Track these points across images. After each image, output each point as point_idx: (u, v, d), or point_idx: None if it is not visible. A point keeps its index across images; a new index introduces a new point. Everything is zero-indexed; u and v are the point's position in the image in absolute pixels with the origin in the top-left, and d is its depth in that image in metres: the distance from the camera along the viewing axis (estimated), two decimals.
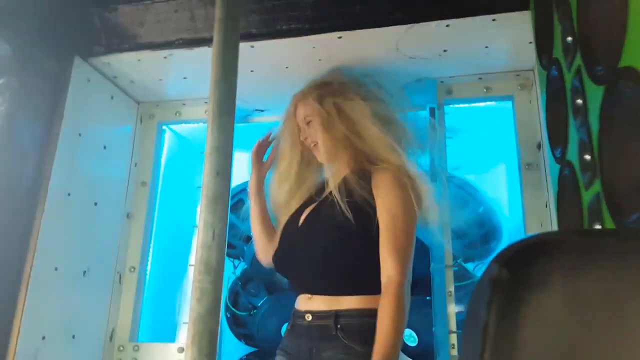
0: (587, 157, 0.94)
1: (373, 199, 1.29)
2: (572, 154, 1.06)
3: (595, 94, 0.89)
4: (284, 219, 1.47)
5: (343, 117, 1.42)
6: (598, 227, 0.87)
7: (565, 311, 0.36)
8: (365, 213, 1.27)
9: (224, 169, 0.73)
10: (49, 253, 1.48)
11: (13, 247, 1.41)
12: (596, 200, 0.88)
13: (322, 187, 1.44)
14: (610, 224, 0.82)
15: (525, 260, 0.38)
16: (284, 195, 1.49)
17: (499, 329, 0.35)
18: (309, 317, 1.28)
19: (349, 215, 1.25)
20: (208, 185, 0.73)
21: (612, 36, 0.78)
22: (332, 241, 1.28)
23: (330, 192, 1.34)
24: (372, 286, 1.24)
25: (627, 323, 0.37)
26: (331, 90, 1.49)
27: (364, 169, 1.38)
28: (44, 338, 1.46)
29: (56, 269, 1.52)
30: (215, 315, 0.62)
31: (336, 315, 1.23)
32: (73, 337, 1.59)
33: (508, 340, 0.35)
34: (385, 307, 1.17)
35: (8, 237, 1.40)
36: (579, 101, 0.97)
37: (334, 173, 1.39)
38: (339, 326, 1.22)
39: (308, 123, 1.47)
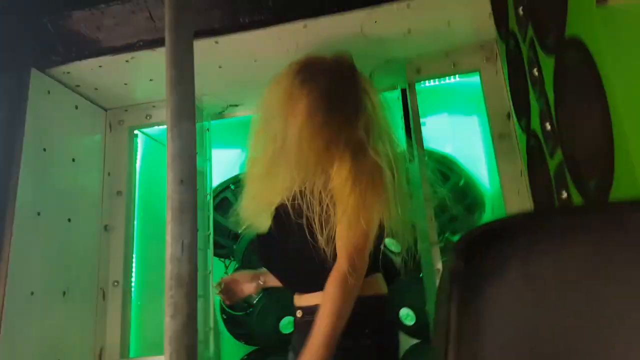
0: (549, 126, 0.95)
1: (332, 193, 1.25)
2: (535, 124, 1.06)
3: (547, 64, 0.90)
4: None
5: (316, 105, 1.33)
6: (564, 194, 0.87)
7: (523, 295, 0.36)
8: (330, 206, 1.23)
9: (188, 177, 0.70)
10: (23, 277, 1.42)
11: None
12: (560, 168, 0.89)
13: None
14: (574, 191, 0.83)
15: (479, 249, 0.37)
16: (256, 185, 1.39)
17: (460, 323, 0.34)
18: (299, 314, 1.28)
19: (311, 214, 1.21)
20: (172, 195, 0.69)
21: (557, 5, 0.78)
22: (300, 241, 1.24)
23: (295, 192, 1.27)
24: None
25: (584, 300, 0.36)
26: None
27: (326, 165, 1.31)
28: None
29: (32, 293, 1.46)
30: (191, 330, 0.60)
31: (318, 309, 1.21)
32: None
33: (470, 333, 0.34)
34: (324, 296, 1.15)
35: None
36: (535, 71, 0.98)
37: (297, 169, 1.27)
38: None
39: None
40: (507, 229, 0.38)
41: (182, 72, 0.77)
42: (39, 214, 1.52)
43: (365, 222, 1.17)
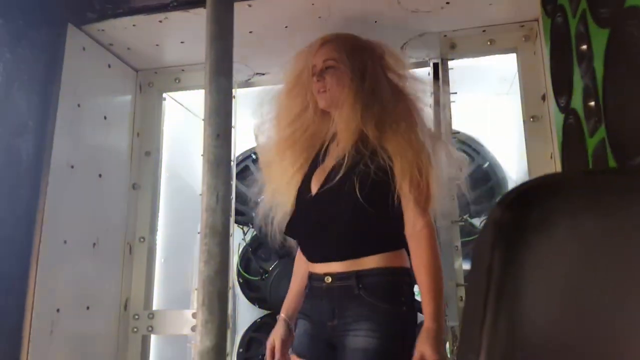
0: (592, 103, 0.93)
1: (385, 160, 1.28)
2: (576, 102, 1.04)
3: (600, 37, 0.87)
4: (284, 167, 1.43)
5: (368, 77, 1.35)
6: None
7: (570, 250, 0.36)
8: (381, 177, 1.26)
9: (224, 131, 0.71)
10: (57, 226, 1.48)
11: (20, 222, 1.41)
12: (601, 146, 0.88)
13: (323, 144, 1.41)
14: None
15: (528, 202, 0.37)
16: (285, 141, 1.42)
17: (503, 271, 0.35)
18: (328, 279, 1.29)
19: (366, 180, 1.25)
20: (209, 148, 0.71)
21: None
22: (351, 209, 1.27)
23: (343, 156, 1.30)
24: (389, 244, 1.29)
25: (632, 260, 0.36)
26: (362, 46, 1.40)
27: (374, 131, 1.35)
28: (58, 311, 1.48)
29: (65, 242, 1.53)
30: (224, 276, 0.62)
31: (357, 275, 1.25)
32: (87, 308, 1.62)
33: (513, 281, 0.35)
34: (423, 256, 1.25)
35: (14, 212, 1.40)
36: (584, 47, 0.95)
37: (346, 132, 1.33)
38: (360, 285, 1.24)
39: (327, 67, 1.37)
40: (558, 185, 0.38)
41: (222, 28, 0.77)
42: (72, 167, 1.57)
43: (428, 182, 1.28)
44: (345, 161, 1.28)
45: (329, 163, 1.36)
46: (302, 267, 1.44)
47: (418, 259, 1.25)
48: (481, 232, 0.38)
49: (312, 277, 1.35)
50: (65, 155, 1.54)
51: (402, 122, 1.32)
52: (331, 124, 1.40)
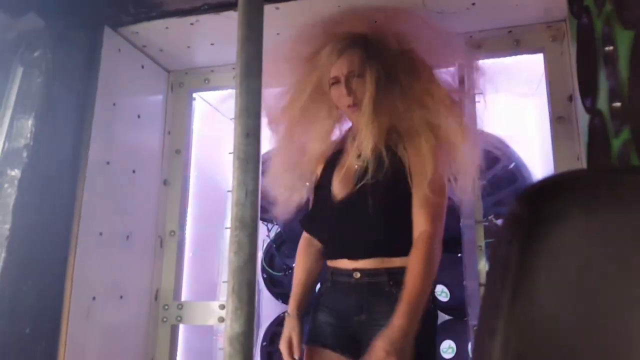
0: (617, 104, 0.93)
1: (404, 162, 1.30)
2: (602, 103, 1.04)
3: (624, 39, 0.87)
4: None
5: (394, 81, 1.35)
6: None
7: (586, 243, 0.37)
8: (403, 178, 1.29)
9: (253, 130, 0.75)
10: (93, 219, 1.56)
11: (60, 213, 1.50)
12: (625, 147, 0.88)
13: (343, 143, 1.44)
14: None
15: (546, 196, 0.38)
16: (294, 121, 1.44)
17: (520, 261, 0.37)
18: (357, 275, 1.31)
19: (392, 181, 1.27)
20: (239, 146, 0.75)
21: None
22: (383, 213, 1.29)
23: (368, 159, 1.32)
24: None
25: None
26: (392, 58, 1.38)
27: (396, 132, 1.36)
28: (94, 298, 1.56)
29: (101, 233, 1.61)
30: (252, 266, 0.66)
31: (388, 272, 1.28)
32: (121, 297, 1.70)
33: (529, 271, 0.37)
34: (414, 259, 1.24)
35: (54, 205, 1.48)
36: (609, 48, 0.95)
37: (369, 135, 1.32)
38: (391, 282, 1.26)
39: (352, 77, 1.35)
40: (576, 181, 0.39)
41: (252, 31, 0.81)
42: (108, 163, 1.65)
43: (443, 189, 1.29)
44: (372, 164, 1.30)
45: (351, 163, 1.37)
46: (311, 260, 1.45)
47: (411, 261, 1.25)
48: (500, 228, 0.40)
49: (335, 272, 1.37)
50: (101, 152, 1.61)
51: (425, 123, 1.32)
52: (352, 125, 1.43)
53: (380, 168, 1.29)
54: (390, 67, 1.37)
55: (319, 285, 1.47)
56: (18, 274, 1.33)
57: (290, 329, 1.37)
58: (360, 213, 1.31)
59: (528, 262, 0.37)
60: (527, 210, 0.39)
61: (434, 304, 1.38)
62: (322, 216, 1.41)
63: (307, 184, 1.49)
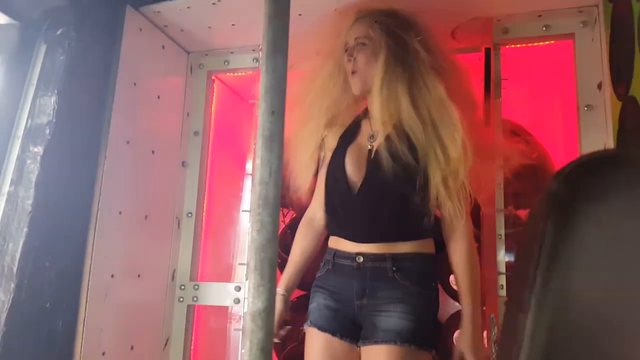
0: None
1: (416, 150, 1.28)
2: (636, 89, 1.01)
3: None
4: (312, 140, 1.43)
5: (408, 57, 1.31)
6: None
7: (623, 223, 0.36)
8: (413, 165, 1.27)
9: (278, 108, 0.74)
10: (113, 198, 1.58)
11: (80, 191, 1.51)
12: None
13: (355, 121, 1.41)
14: None
15: (585, 174, 0.37)
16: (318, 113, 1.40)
17: (556, 238, 0.36)
18: (360, 259, 1.30)
19: (406, 165, 1.25)
20: (264, 124, 0.74)
21: None
22: (390, 192, 1.28)
23: (381, 142, 1.30)
24: (423, 232, 1.31)
25: None
26: (401, 28, 1.33)
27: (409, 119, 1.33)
28: (112, 276, 1.58)
29: (120, 212, 1.62)
30: (274, 245, 0.65)
31: (392, 258, 1.27)
32: (138, 276, 1.72)
33: (565, 248, 0.36)
34: (465, 250, 1.30)
35: (75, 183, 1.49)
36: None
37: (380, 117, 1.31)
38: (395, 268, 1.26)
39: (357, 44, 1.34)
40: (615, 159, 0.38)
41: (279, 7, 0.79)
42: (128, 142, 1.66)
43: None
44: (384, 148, 1.28)
45: (363, 144, 1.35)
46: (309, 243, 1.45)
47: (458, 257, 1.29)
48: (536, 205, 0.39)
49: (337, 255, 1.35)
50: (122, 132, 1.62)
51: (441, 108, 1.28)
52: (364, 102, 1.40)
53: (393, 150, 1.26)
54: (404, 44, 1.32)
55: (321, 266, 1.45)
56: (40, 249, 1.35)
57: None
58: (370, 197, 1.30)
59: (563, 240, 0.36)
60: (565, 188, 0.38)
61: (438, 290, 1.38)
62: (334, 195, 1.39)
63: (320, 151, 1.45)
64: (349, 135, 1.40)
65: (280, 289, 1.40)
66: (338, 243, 1.37)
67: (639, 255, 0.35)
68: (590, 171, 0.37)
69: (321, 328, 1.32)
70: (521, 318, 0.35)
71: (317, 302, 1.36)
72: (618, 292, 0.36)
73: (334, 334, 1.31)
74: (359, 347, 1.27)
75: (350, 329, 1.31)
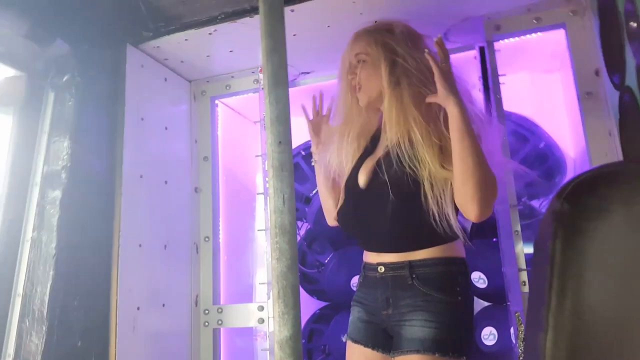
0: None
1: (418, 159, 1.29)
2: (630, 80, 1.01)
3: None
4: (345, 168, 1.46)
5: (400, 66, 1.33)
6: None
7: (629, 237, 0.37)
8: (414, 173, 1.27)
9: (285, 138, 0.77)
10: (132, 231, 1.62)
11: (100, 228, 1.55)
12: None
13: (376, 135, 1.44)
14: None
15: (585, 192, 0.39)
16: (347, 145, 1.45)
17: (564, 257, 0.37)
18: (381, 269, 1.31)
19: (415, 172, 1.25)
20: (272, 155, 0.76)
21: None
22: (401, 201, 1.27)
23: (390, 148, 1.31)
24: (442, 236, 1.26)
25: None
26: (396, 40, 1.37)
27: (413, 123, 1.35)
28: (138, 308, 1.62)
29: (140, 245, 1.66)
30: (294, 271, 0.68)
31: (410, 265, 1.27)
32: (163, 305, 1.75)
33: (574, 266, 0.37)
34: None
35: (94, 221, 1.54)
36: (633, 24, 0.92)
37: (389, 124, 1.32)
38: (414, 275, 1.26)
39: (359, 61, 1.39)
40: (614, 175, 0.39)
41: (276, 41, 0.82)
42: (141, 176, 1.70)
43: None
44: (393, 154, 1.29)
45: (378, 153, 1.38)
46: None
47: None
48: (541, 225, 0.40)
49: (365, 267, 1.38)
50: (134, 166, 1.66)
51: (440, 112, 1.28)
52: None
53: (401, 160, 1.28)
54: (402, 56, 1.34)
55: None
56: (67, 290, 1.39)
57: None
58: (377, 206, 1.30)
59: (573, 258, 0.37)
60: (568, 206, 0.39)
61: (470, 295, 1.36)
62: (348, 208, 1.41)
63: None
64: (369, 148, 1.44)
65: None
66: (366, 255, 1.40)
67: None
68: (591, 188, 0.38)
69: (355, 340, 1.36)
70: (541, 339, 0.37)
71: (353, 315, 1.40)
72: (631, 308, 0.37)
73: (365, 345, 1.33)
74: (393, 357, 1.28)
75: (382, 339, 1.32)
